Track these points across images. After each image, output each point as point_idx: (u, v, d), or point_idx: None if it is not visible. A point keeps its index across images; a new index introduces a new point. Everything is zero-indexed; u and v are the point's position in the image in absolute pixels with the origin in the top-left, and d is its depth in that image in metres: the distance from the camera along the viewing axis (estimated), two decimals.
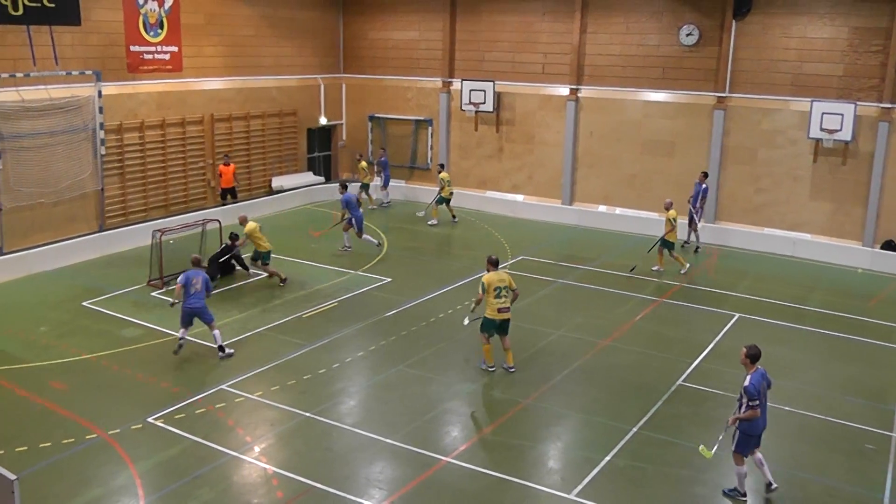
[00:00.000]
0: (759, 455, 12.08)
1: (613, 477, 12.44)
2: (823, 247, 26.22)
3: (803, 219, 26.89)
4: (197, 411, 14.31)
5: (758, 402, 11.64)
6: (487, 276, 15.76)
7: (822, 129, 25.55)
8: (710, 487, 12.33)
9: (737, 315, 20.08)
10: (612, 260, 24.72)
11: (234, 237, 21.56)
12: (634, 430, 13.89)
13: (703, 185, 26.32)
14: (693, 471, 12.72)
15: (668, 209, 23.33)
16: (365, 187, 30.69)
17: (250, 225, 21.35)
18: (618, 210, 29.36)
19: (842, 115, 25.24)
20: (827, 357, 18.05)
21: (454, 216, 29.15)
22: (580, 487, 12.04)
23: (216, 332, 16.60)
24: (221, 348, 16.54)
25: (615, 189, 29.44)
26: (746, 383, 11.73)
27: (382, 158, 31.67)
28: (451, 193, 29.13)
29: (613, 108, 29.22)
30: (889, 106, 25.34)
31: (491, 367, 16.20)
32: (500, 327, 16.00)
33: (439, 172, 29.44)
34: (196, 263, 16.83)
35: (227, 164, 27.97)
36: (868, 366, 17.57)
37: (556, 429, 14.12)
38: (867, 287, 23.18)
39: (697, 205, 26.13)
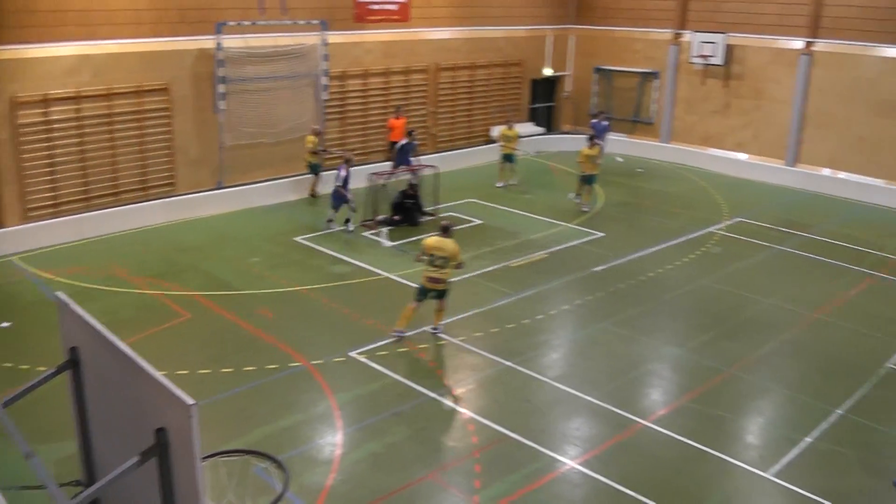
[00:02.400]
0: None
1: (814, 460, 12.23)
2: None
3: None
4: (399, 350, 15.05)
5: None
6: (427, 240, 15.47)
7: None
8: None
9: None
10: (833, 228, 23.77)
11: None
12: (840, 412, 13.55)
13: None
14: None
15: None
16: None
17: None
18: (841, 174, 28.04)
19: None
20: None
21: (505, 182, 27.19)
22: (778, 467, 11.92)
23: None
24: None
25: (842, 152, 27.95)
26: None
27: (601, 122, 29.84)
28: (515, 150, 26.89)
29: (849, 64, 27.58)
30: None
31: (396, 332, 15.46)
32: (432, 294, 15.47)
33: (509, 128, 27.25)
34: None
35: (398, 117, 27.17)
36: None
37: (759, 402, 14.00)
38: None
39: None
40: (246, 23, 23.33)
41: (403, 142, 24.97)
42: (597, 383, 14.13)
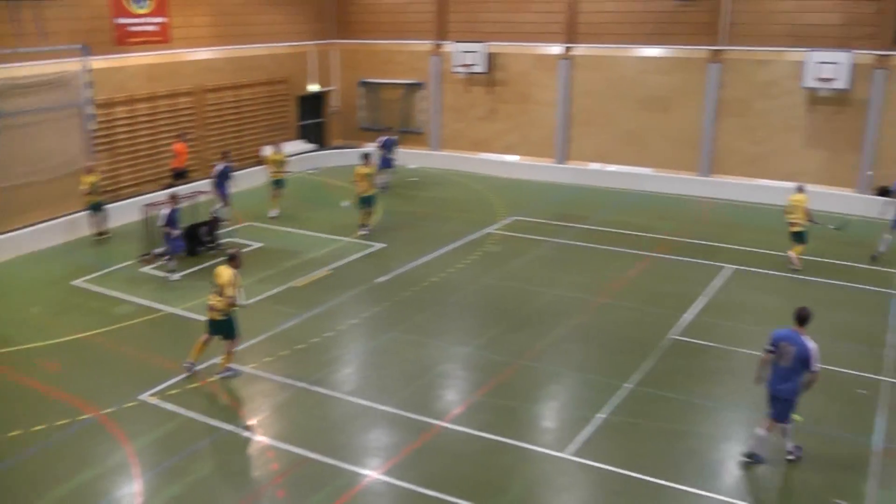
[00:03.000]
0: (759, 431, 11.93)
1: (608, 434, 12.45)
2: (818, 195, 25.95)
3: (798, 168, 26.76)
4: (191, 386, 14.26)
5: (768, 353, 11.69)
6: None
7: (817, 79, 25.45)
8: (704, 441, 12.38)
9: (731, 267, 20.09)
10: (608, 217, 24.68)
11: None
12: (629, 386, 13.91)
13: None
14: (687, 425, 12.79)
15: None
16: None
17: None
18: (611, 167, 29.28)
19: (838, 63, 25.14)
20: (821, 305, 17.86)
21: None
22: (575, 446, 12.06)
23: None
24: None
25: (610, 146, 29.34)
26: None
27: (391, 138, 28.93)
28: (284, 174, 25.57)
29: (607, 66, 29.04)
30: (886, 53, 25.22)
31: (187, 363, 14.67)
32: (214, 328, 14.52)
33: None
34: None
35: (182, 141, 26.11)
36: (860, 311, 17.67)
37: (551, 388, 14.13)
38: (861, 233, 23.08)
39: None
40: (6, 51, 21.52)
41: (221, 167, 23.67)
42: (392, 392, 13.83)
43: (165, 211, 19.63)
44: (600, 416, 12.90)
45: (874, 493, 11.24)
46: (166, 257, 19.68)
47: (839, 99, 25.93)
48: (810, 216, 20.28)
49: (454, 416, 13.03)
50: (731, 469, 11.78)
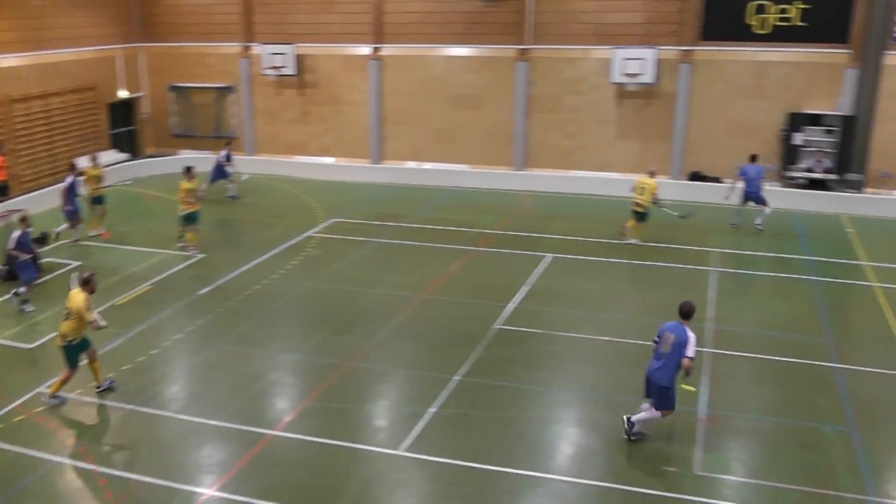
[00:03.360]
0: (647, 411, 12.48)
1: (440, 427, 12.60)
2: (630, 183, 27.31)
3: (611, 159, 28.13)
4: (15, 419, 13.38)
5: (654, 343, 12.28)
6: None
7: (624, 74, 26.78)
8: (533, 425, 12.70)
9: (550, 255, 20.76)
10: (427, 214, 25.00)
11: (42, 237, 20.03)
12: (458, 378, 14.12)
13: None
14: (516, 411, 13.09)
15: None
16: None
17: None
18: (427, 165, 29.67)
19: (643, 59, 26.58)
20: (642, 286, 19.00)
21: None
22: (408, 442, 12.14)
23: None
24: None
25: (425, 145, 29.78)
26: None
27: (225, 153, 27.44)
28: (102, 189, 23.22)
29: (417, 65, 29.43)
30: (689, 49, 26.89)
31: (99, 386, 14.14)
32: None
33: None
34: None
35: (1, 153, 24.68)
36: (681, 289, 18.54)
37: (381, 387, 14.14)
38: (672, 217, 24.30)
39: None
40: None
41: (70, 179, 21.89)
42: (221, 406, 13.45)
43: (17, 234, 17.99)
44: (431, 410, 13.03)
45: (700, 457, 11.92)
46: (23, 289, 17.90)
47: (647, 92, 27.46)
48: (656, 200, 21.78)
49: (286, 423, 12.84)
50: (562, 448, 12.22)
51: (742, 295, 18.72)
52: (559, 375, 14.45)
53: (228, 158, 27.00)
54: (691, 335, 11.88)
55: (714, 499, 11.08)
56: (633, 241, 22.11)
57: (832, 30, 26.23)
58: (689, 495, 11.08)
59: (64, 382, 13.78)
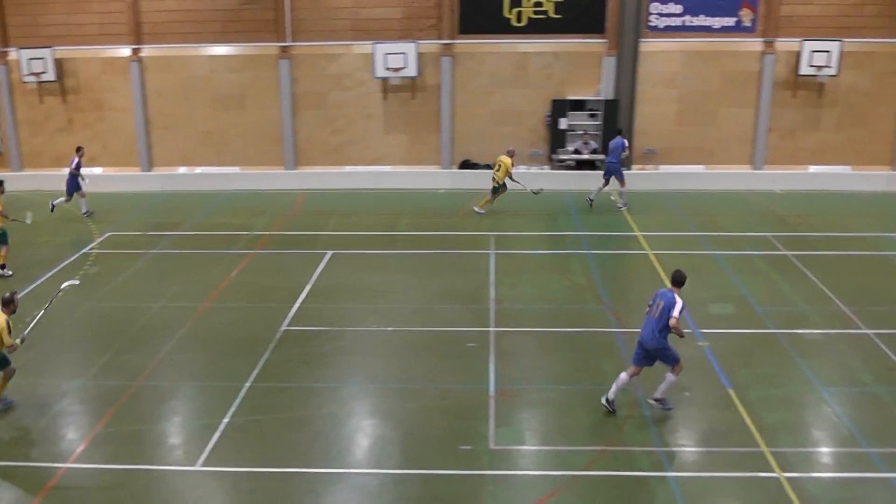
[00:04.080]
0: (623, 376, 12.97)
1: (235, 436, 12.43)
2: (405, 175, 28.07)
3: (382, 153, 28.53)
4: None
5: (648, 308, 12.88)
6: None
7: (387, 69, 27.12)
8: (327, 422, 12.77)
9: (330, 252, 20.82)
10: (202, 220, 24.46)
11: None
12: (248, 384, 13.96)
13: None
14: (309, 410, 13.14)
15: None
16: None
17: None
18: (198, 170, 28.98)
19: (405, 53, 27.01)
20: (423, 274, 19.40)
21: None
22: (204, 456, 11.89)
23: None
24: None
25: (194, 149, 29.02)
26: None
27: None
28: None
29: (179, 66, 28.56)
30: (449, 42, 27.64)
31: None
32: None
33: None
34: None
35: None
36: (461, 273, 19.26)
37: (172, 403, 13.73)
38: (450, 204, 25.05)
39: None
40: None
41: None
42: (7, 444, 12.58)
43: None
44: (225, 420, 12.82)
45: (494, 432, 12.40)
46: None
47: (411, 86, 28.04)
48: (510, 176, 23.88)
49: (79, 454, 12.16)
50: (358, 442, 12.37)
51: (521, 274, 19.48)
52: (349, 370, 14.62)
53: (78, 167, 25.24)
54: (679, 300, 12.45)
55: (511, 470, 11.65)
56: (479, 210, 24.18)
57: (587, 21, 27.84)
58: (487, 470, 11.53)
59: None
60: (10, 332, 12.88)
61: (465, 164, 28.54)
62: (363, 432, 12.59)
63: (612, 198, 25.52)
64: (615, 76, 27.84)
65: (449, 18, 27.59)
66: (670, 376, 12.84)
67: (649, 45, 27.79)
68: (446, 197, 26.55)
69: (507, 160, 24.00)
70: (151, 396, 13.87)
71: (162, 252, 21.61)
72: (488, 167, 27.86)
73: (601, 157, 27.76)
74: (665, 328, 12.47)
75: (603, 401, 13.00)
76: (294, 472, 11.48)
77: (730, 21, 27.95)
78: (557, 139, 28.18)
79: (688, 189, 27.58)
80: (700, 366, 14.62)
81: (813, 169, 28.67)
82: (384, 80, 27.75)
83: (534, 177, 27.23)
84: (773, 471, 11.56)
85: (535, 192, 24.69)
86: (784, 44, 27.95)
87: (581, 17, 27.76)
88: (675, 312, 12.35)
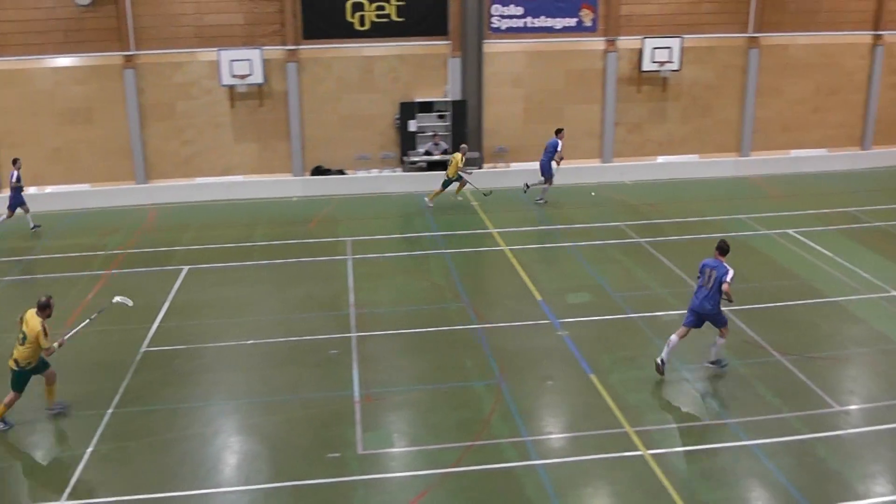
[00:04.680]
0: (673, 338, 14.35)
1: (100, 466, 12.16)
2: (257, 184, 27.91)
3: (233, 162, 28.26)
4: None
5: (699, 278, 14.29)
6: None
7: (233, 76, 26.88)
8: (195, 442, 12.68)
9: (186, 268, 20.52)
10: (52, 243, 23.50)
11: None
12: (111, 411, 13.65)
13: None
14: (175, 431, 12.98)
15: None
16: None
17: None
18: (48, 189, 27.91)
19: (250, 60, 26.85)
20: (281, 284, 19.36)
21: None
22: (69, 489, 11.59)
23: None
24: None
25: (43, 167, 27.61)
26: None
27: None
28: None
29: (22, 80, 27.18)
30: (293, 48, 27.58)
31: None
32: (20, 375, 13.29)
33: None
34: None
35: None
36: (320, 281, 19.34)
37: (33, 438, 13.21)
38: (304, 212, 25.05)
39: None
40: None
41: None
42: None
43: None
44: (89, 450, 12.49)
45: (361, 437, 12.59)
46: None
47: (258, 93, 27.87)
48: (460, 170, 24.90)
49: None
50: (226, 460, 12.30)
51: (379, 277, 19.73)
52: (212, 388, 14.51)
53: (19, 180, 24.04)
54: (730, 268, 13.90)
55: (381, 473, 11.86)
56: (430, 204, 25.31)
57: (430, 23, 28.35)
58: (357, 475, 11.71)
59: (9, 406, 13.21)
60: (46, 335, 12.92)
61: (318, 171, 28.57)
62: (231, 450, 12.54)
63: (538, 198, 26.27)
64: (461, 77, 28.46)
65: (292, 24, 27.54)
66: (720, 339, 14.48)
67: (493, 46, 28.53)
68: (300, 205, 26.56)
69: (456, 156, 24.94)
70: (12, 433, 13.31)
71: (15, 280, 20.77)
72: (341, 172, 28.12)
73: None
74: (718, 293, 13.94)
75: (658, 360, 14.35)
76: (164, 496, 11.35)
77: (571, 21, 28.98)
78: (408, 141, 28.58)
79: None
80: (561, 354, 15.30)
81: (661, 159, 30.10)
82: (231, 87, 27.50)
83: (386, 179, 27.65)
84: (637, 449, 12.20)
85: (486, 194, 25.45)
86: (626, 42, 29.24)
87: (424, 20, 28.25)
88: (728, 278, 13.83)
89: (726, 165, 30.23)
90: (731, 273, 13.87)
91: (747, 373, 14.67)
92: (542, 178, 25.85)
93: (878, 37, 31.73)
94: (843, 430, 12.93)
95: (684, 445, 12.54)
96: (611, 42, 29.20)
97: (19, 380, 13.21)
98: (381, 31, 28.07)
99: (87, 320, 14.16)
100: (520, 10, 28.70)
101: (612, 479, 11.66)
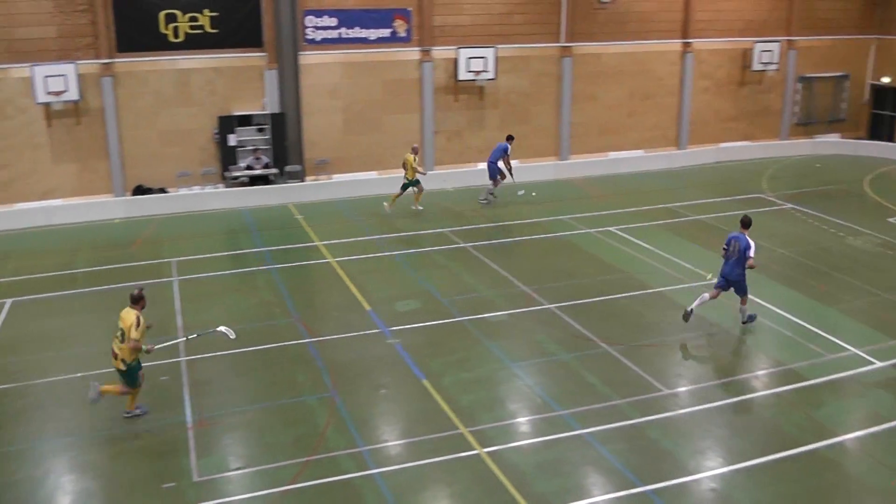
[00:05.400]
0: (706, 295, 17.12)
1: None
2: (78, 207, 27.05)
3: (52, 185, 27.31)
4: None
5: (724, 250, 16.89)
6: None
7: (48, 93, 25.97)
8: (26, 488, 12.23)
9: (8, 301, 19.75)
10: None
11: None
12: None
13: None
14: (4, 477, 12.47)
15: None
16: None
17: None
18: None
19: (64, 76, 25.99)
20: (107, 311, 18.32)
21: None
22: None
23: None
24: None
25: None
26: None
27: None
28: None
29: None
30: (108, 61, 26.95)
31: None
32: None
33: None
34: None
35: None
36: (147, 305, 18.69)
37: None
38: (127, 234, 24.65)
39: None
40: None
41: None
42: None
43: None
44: None
45: (195, 464, 12.55)
46: None
47: (75, 110, 27.04)
48: (416, 171, 25.73)
49: None
50: (58, 502, 11.94)
51: (207, 298, 19.68)
52: (40, 427, 13.96)
53: None
54: (751, 242, 16.49)
55: (219, 498, 11.80)
56: (389, 210, 26.08)
57: (245, 35, 28.33)
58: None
59: (134, 396, 13.87)
60: (137, 326, 13.23)
61: (139, 190, 28.07)
62: (63, 490, 12.22)
63: (481, 197, 27.67)
64: (279, 90, 28.58)
65: (106, 36, 26.86)
66: (743, 307, 17.22)
67: (309, 57, 28.81)
68: (122, 227, 26.01)
69: (408, 157, 25.82)
70: None
71: None
72: (163, 191, 27.72)
73: (274, 170, 28.39)
74: (742, 262, 16.45)
75: (688, 309, 17.02)
76: None
77: (385, 32, 29.63)
78: (228, 156, 28.47)
79: (362, 195, 29.01)
80: (393, 362, 15.79)
81: (482, 166, 31.02)
82: (47, 105, 26.51)
83: (208, 196, 27.45)
84: (473, 449, 12.77)
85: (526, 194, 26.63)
86: (441, 52, 30.07)
87: (238, 31, 28.21)
88: (751, 252, 16.36)
89: (546, 169, 31.59)
90: (753, 247, 16.45)
91: (577, 365, 15.63)
92: (492, 181, 27.31)
93: (687, 44, 34.20)
94: (672, 411, 14.08)
95: (519, 440, 13.19)
96: (426, 52, 30.00)
97: (132, 377, 13.67)
98: (196, 43, 27.81)
99: (185, 338, 14.97)
100: (334, 22, 29.10)
101: (451, 480, 12.11)
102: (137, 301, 13.62)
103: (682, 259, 21.59)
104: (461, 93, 30.88)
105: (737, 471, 12.44)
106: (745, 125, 36.94)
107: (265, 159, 28.68)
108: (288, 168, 28.82)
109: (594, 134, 33.31)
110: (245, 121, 28.59)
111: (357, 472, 12.31)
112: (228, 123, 28.25)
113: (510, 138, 27.71)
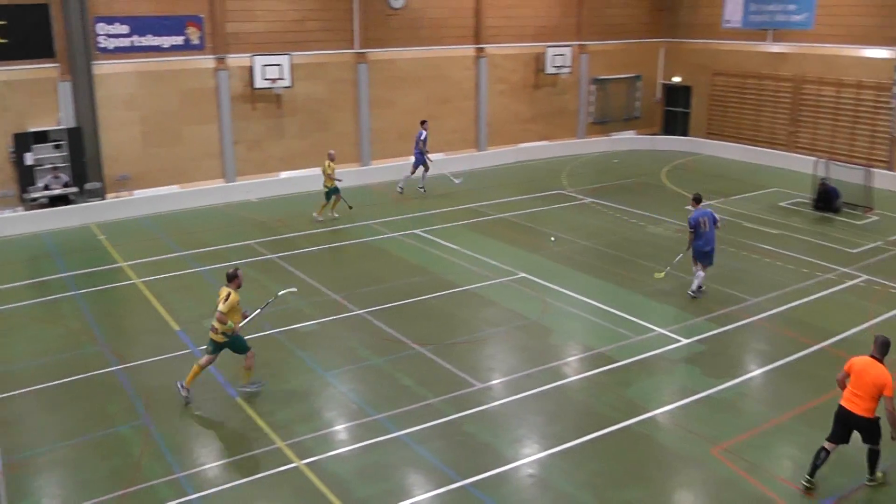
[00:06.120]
0: (701, 272, 19.58)
1: None
2: None
3: None
4: None
5: (692, 231, 19.10)
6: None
7: None
8: None
9: None
10: None
11: None
12: None
13: None
14: None
15: None
16: None
17: None
18: None
19: None
20: None
21: None
22: None
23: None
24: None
25: None
26: (689, 217, 19.38)
27: None
28: None
29: None
30: None
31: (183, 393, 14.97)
32: (214, 348, 14.97)
33: None
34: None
35: None
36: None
37: None
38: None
39: None
40: None
41: None
42: None
43: None
44: None
45: None
46: None
47: None
48: (332, 178, 26.16)
49: None
50: None
51: (8, 331, 18.69)
52: None
53: None
54: (715, 214, 19.46)
55: None
56: (319, 217, 26.51)
57: (35, 45, 26.91)
58: None
59: (249, 368, 15.01)
60: (225, 300, 14.33)
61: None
62: None
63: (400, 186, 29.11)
64: (74, 103, 27.51)
65: None
66: (700, 273, 19.62)
67: (103, 67, 27.88)
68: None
69: (325, 164, 26.22)
70: None
71: None
72: None
73: (74, 189, 27.42)
74: (714, 233, 19.33)
75: (689, 293, 19.70)
76: None
77: (178, 40, 29.09)
78: (26, 177, 27.09)
79: (165, 211, 28.57)
80: (205, 382, 15.51)
81: (284, 174, 31.17)
82: None
83: (6, 221, 26.14)
84: (292, 462, 12.94)
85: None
86: (235, 59, 29.91)
87: (28, 41, 26.77)
88: (719, 223, 19.64)
89: (349, 175, 31.87)
90: (719, 217, 19.68)
91: (391, 368, 16.12)
92: (422, 168, 28.69)
93: (480, 49, 35.33)
94: (487, 404, 14.77)
95: (337, 448, 13.47)
96: (220, 60, 29.72)
97: (238, 344, 14.85)
98: None
99: (266, 304, 15.76)
100: (126, 29, 28.25)
101: (271, 496, 12.22)
102: (232, 279, 14.73)
103: (487, 256, 22.54)
104: (259, 101, 30.78)
105: (554, 454, 13.27)
106: (542, 126, 38.71)
107: (64, 177, 27.51)
108: (88, 186, 27.81)
109: (393, 139, 33.95)
110: (41, 137, 27.24)
111: (175, 499, 12.14)
112: (25, 141, 26.84)
113: (423, 123, 28.88)
